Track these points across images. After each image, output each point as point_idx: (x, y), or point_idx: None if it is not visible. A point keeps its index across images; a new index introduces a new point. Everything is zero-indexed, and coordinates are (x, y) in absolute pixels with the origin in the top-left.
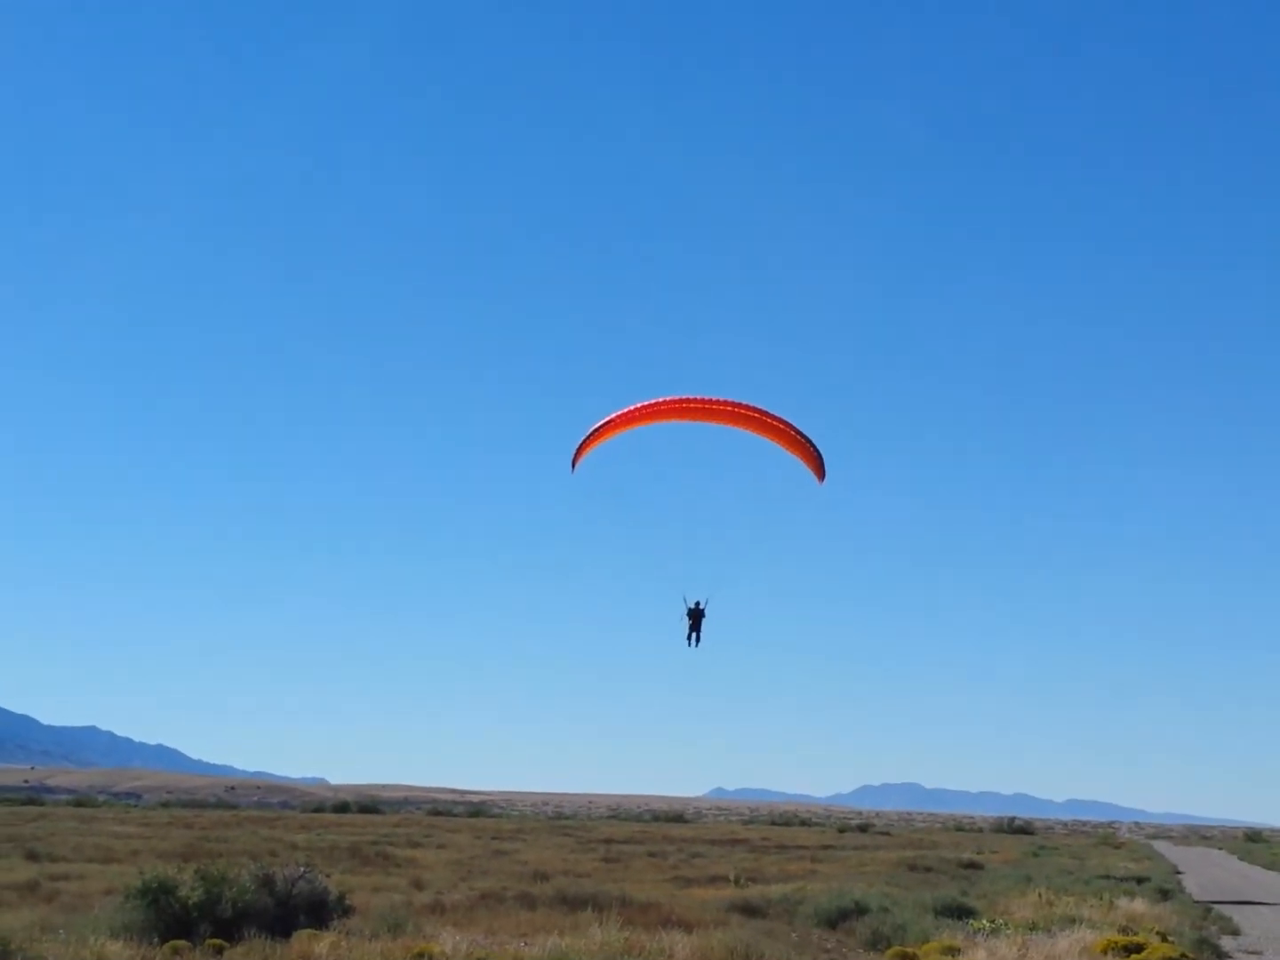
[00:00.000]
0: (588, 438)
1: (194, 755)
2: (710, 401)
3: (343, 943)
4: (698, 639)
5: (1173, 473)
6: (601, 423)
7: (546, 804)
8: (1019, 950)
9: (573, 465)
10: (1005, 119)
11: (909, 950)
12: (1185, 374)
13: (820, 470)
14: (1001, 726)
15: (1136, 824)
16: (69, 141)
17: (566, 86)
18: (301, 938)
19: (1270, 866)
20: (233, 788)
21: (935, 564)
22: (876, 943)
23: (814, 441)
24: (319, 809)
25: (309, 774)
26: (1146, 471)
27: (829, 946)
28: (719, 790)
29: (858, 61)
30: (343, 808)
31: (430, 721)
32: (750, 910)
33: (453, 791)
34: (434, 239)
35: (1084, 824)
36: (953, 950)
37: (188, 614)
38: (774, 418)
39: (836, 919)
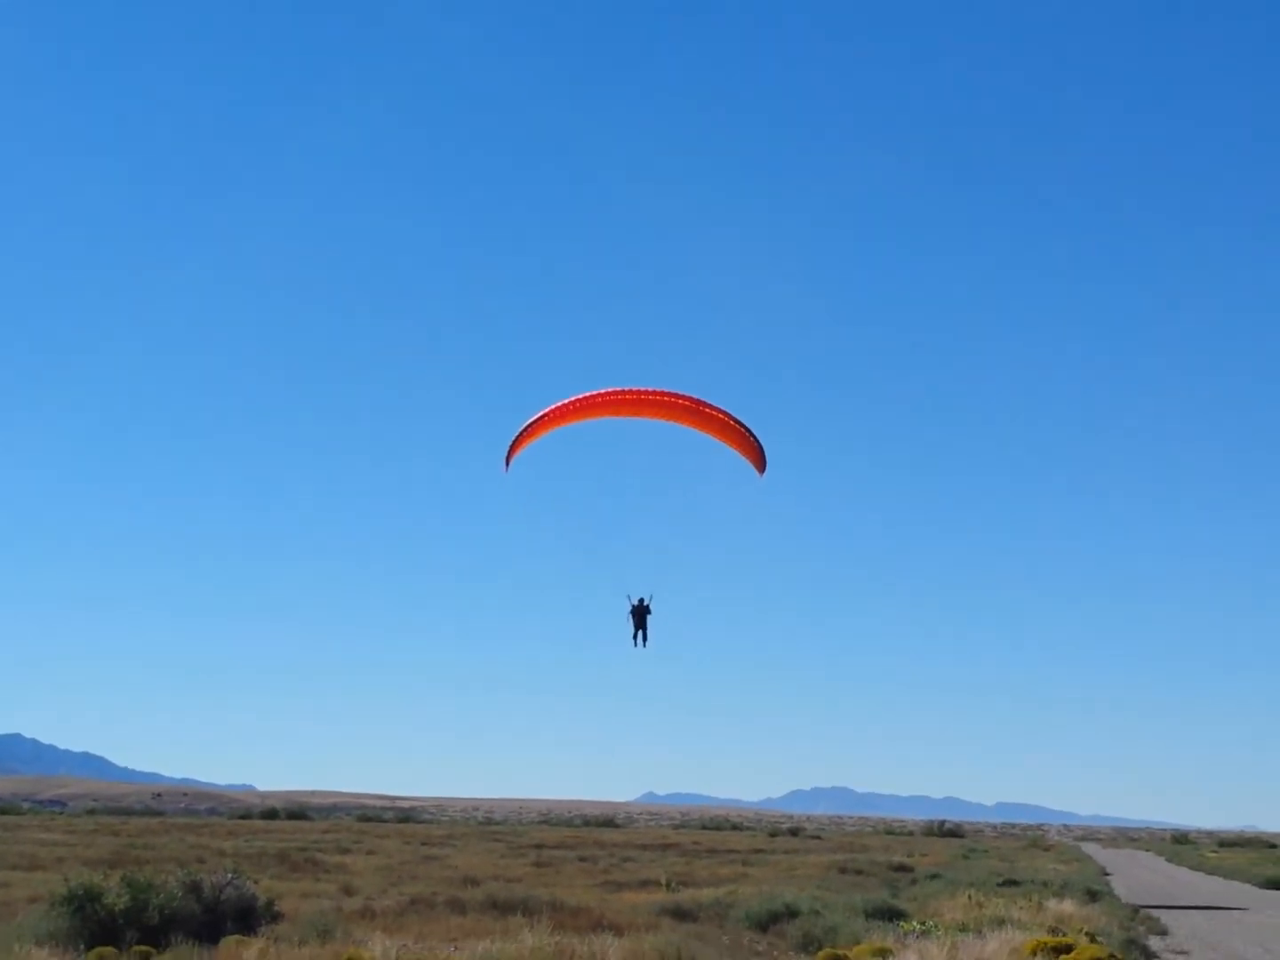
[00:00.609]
0: (520, 435)
1: (120, 763)
2: (646, 393)
3: (271, 949)
4: (644, 638)
5: (1106, 488)
6: (534, 419)
7: (477, 809)
8: (948, 951)
9: (506, 463)
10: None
11: (840, 952)
12: (1141, 390)
13: (760, 462)
14: (932, 731)
15: (1065, 826)
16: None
17: (536, 108)
18: (229, 944)
19: (1196, 868)
20: (159, 795)
21: (864, 569)
22: (808, 945)
23: (754, 433)
24: (247, 815)
25: (236, 781)
26: (1079, 485)
27: (760, 949)
28: (650, 795)
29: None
30: (271, 814)
31: (359, 727)
32: (681, 914)
33: (382, 798)
34: (401, 253)
35: (1013, 826)
36: (883, 952)
37: (113, 621)
38: (711, 407)
39: (768, 922)
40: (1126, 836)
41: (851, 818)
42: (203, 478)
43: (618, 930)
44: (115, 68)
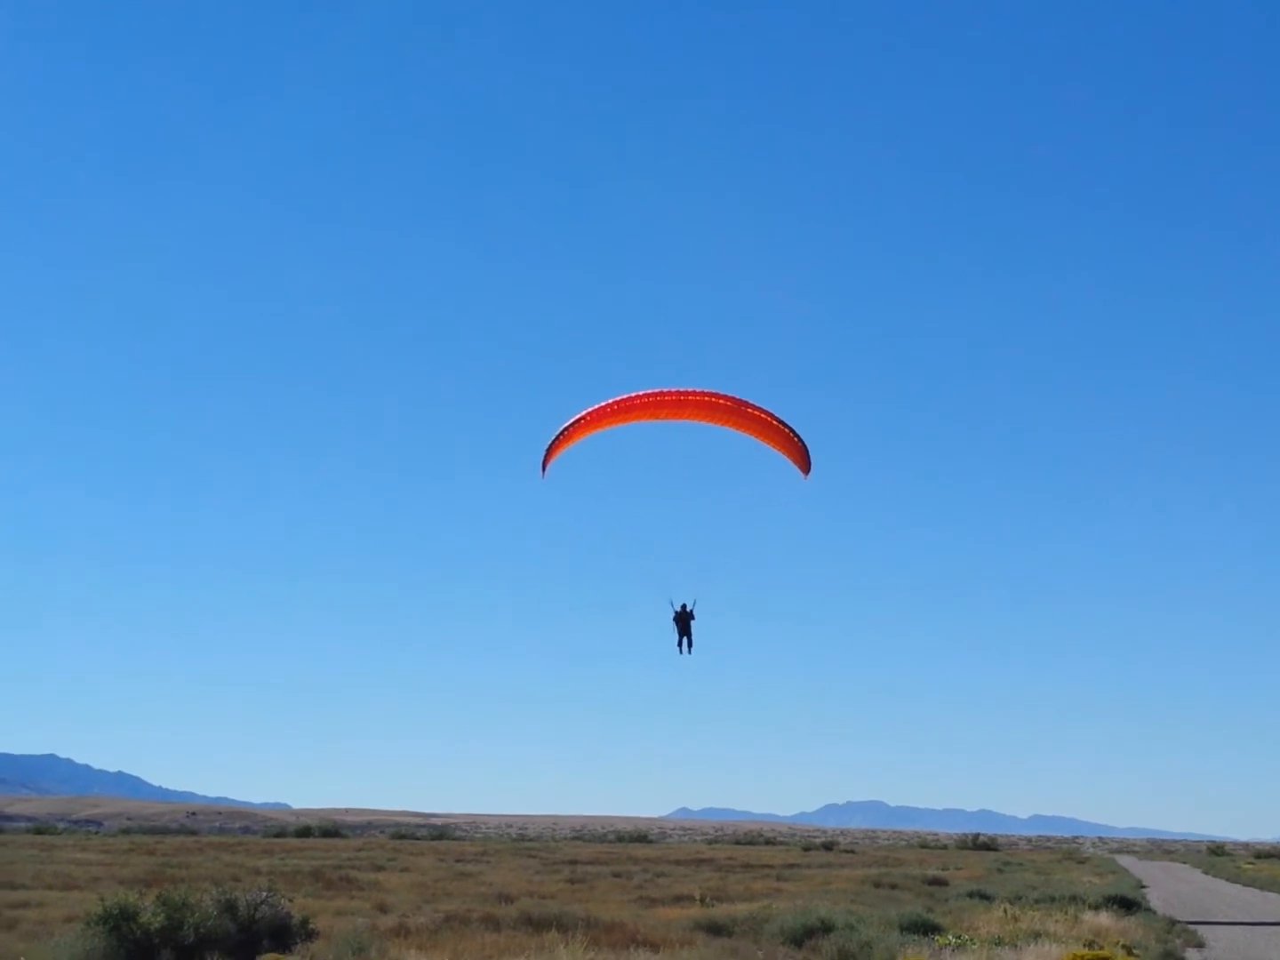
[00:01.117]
0: (557, 439)
1: (154, 782)
2: (686, 393)
3: None
4: (689, 644)
5: (1128, 497)
6: (571, 422)
7: (511, 826)
8: None
9: (542, 469)
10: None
11: None
12: (1163, 406)
13: (805, 463)
14: (965, 743)
15: (1100, 839)
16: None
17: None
18: None
19: (1233, 880)
20: (194, 814)
21: (899, 583)
22: (843, 959)
23: (798, 432)
24: (281, 834)
25: (271, 799)
26: (1107, 495)
27: None
28: (684, 810)
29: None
30: (305, 832)
31: (393, 744)
32: (716, 929)
33: (416, 814)
34: (402, 257)
35: (1048, 839)
36: None
37: (147, 640)
38: (753, 407)
39: (802, 937)
40: (1162, 849)
41: (886, 831)
42: (234, 500)
43: (652, 946)
44: (106, 68)
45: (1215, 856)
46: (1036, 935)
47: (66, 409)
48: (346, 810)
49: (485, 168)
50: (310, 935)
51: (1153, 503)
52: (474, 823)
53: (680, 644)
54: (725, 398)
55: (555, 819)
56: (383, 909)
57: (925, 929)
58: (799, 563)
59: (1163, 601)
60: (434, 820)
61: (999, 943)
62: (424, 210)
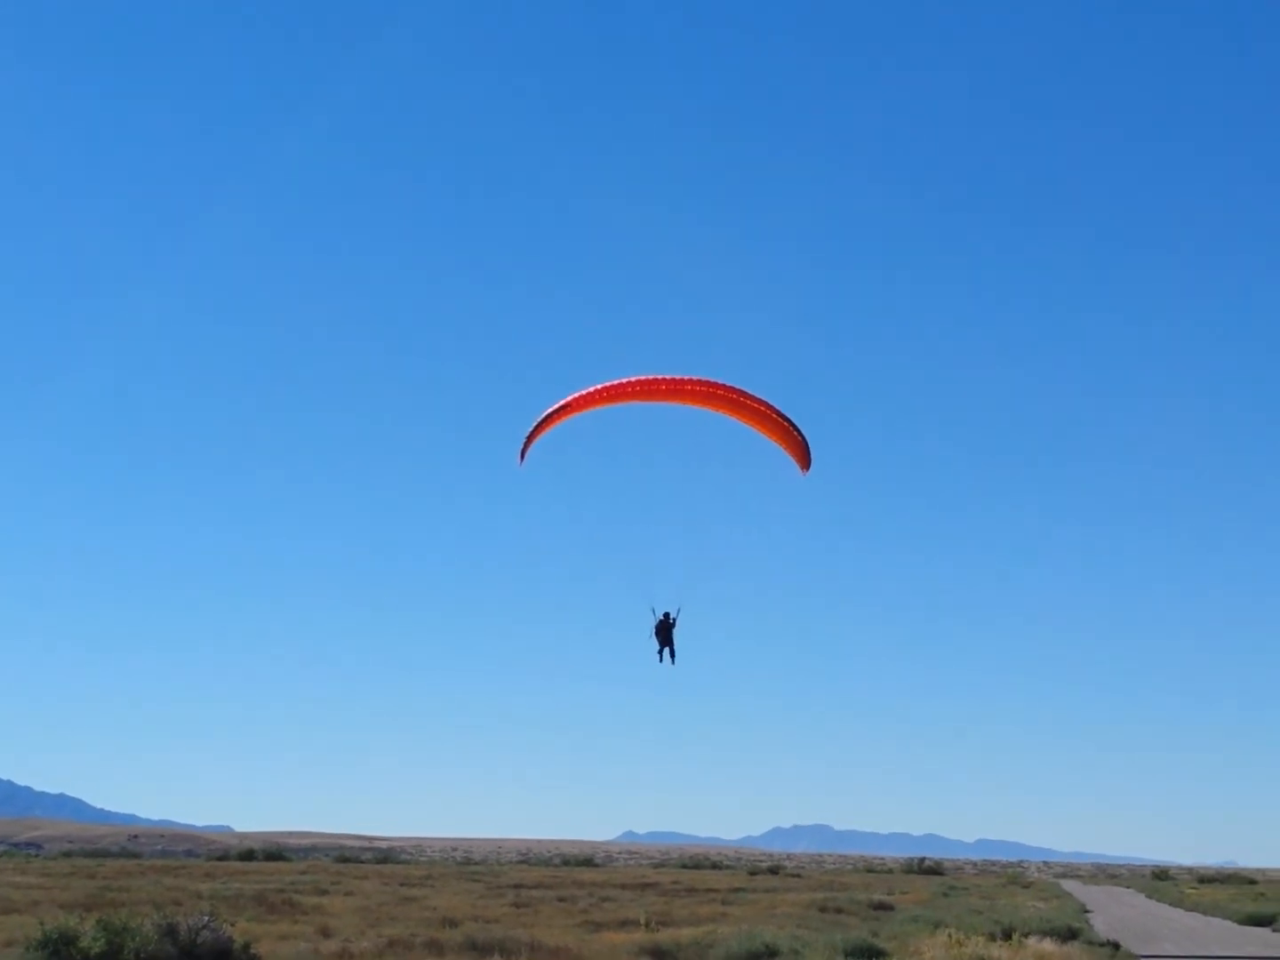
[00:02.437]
0: (539, 424)
1: (96, 804)
2: (682, 381)
3: None
4: (672, 655)
5: (1076, 520)
6: (555, 407)
7: (455, 849)
8: None
9: (521, 456)
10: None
11: None
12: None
13: (805, 459)
14: (912, 768)
15: (1045, 863)
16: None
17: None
18: None
19: (1176, 904)
20: (136, 836)
21: (844, 606)
22: None
23: (799, 427)
24: (224, 857)
25: (214, 822)
26: (1053, 516)
27: None
28: (630, 834)
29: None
30: (248, 855)
31: (338, 767)
32: (661, 954)
33: (360, 838)
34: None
35: (994, 863)
36: None
37: (87, 659)
38: (754, 399)
39: None
40: (1106, 873)
41: (832, 855)
42: (178, 514)
43: None
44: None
45: (1159, 881)
46: None
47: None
48: (290, 833)
49: (474, 179)
50: None
51: (1104, 525)
52: (419, 846)
53: (661, 654)
54: (724, 387)
55: (500, 842)
56: (326, 933)
57: (870, 954)
58: (746, 582)
59: (1106, 626)
60: (378, 844)
61: None
62: (414, 222)
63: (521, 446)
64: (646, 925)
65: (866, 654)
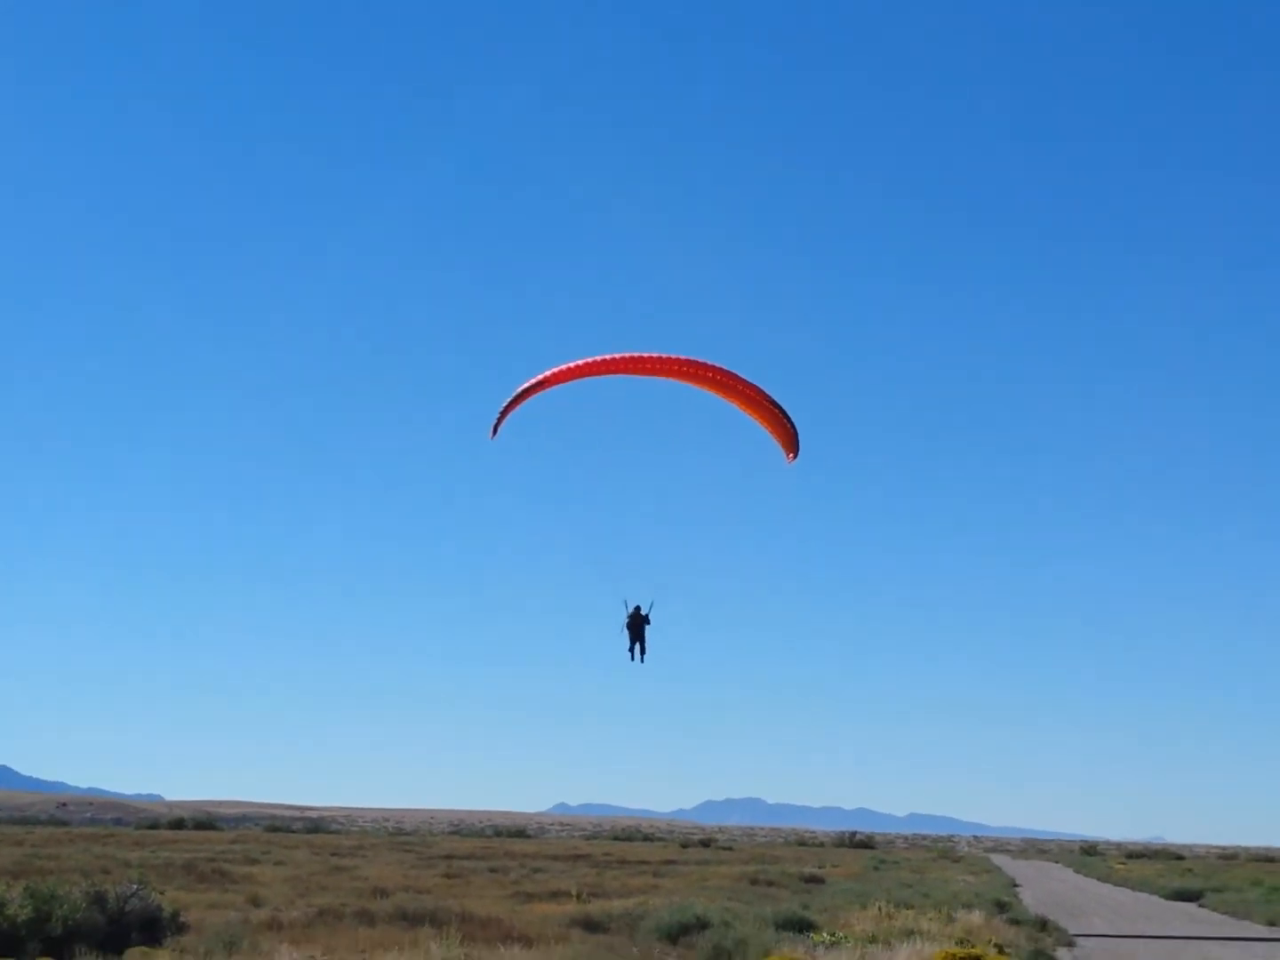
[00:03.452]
0: (514, 398)
1: (24, 771)
2: (667, 360)
3: None
4: (642, 651)
5: (1001, 496)
6: (532, 382)
7: (387, 820)
8: None
9: (493, 429)
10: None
11: None
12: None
13: (793, 446)
14: (845, 741)
15: (975, 837)
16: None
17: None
18: (134, 955)
19: (1104, 879)
20: (65, 804)
21: (778, 582)
22: (718, 957)
23: (788, 412)
24: (154, 826)
25: (144, 790)
26: (980, 492)
27: None
28: (562, 806)
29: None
30: (178, 824)
31: (269, 736)
32: (592, 925)
33: (291, 808)
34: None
35: (924, 838)
36: None
37: (15, 625)
38: (744, 383)
39: (678, 933)
40: (1036, 848)
41: (763, 829)
42: (108, 482)
43: (528, 942)
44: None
45: (1088, 856)
46: (910, 933)
47: None
48: (221, 802)
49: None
50: (181, 929)
51: (1029, 499)
52: (350, 816)
53: (632, 650)
54: (713, 368)
55: (432, 813)
56: (256, 903)
57: (800, 926)
58: (685, 558)
59: (1035, 603)
60: (309, 813)
61: (873, 940)
62: (402, 209)
63: (495, 420)
64: (578, 896)
65: (800, 630)
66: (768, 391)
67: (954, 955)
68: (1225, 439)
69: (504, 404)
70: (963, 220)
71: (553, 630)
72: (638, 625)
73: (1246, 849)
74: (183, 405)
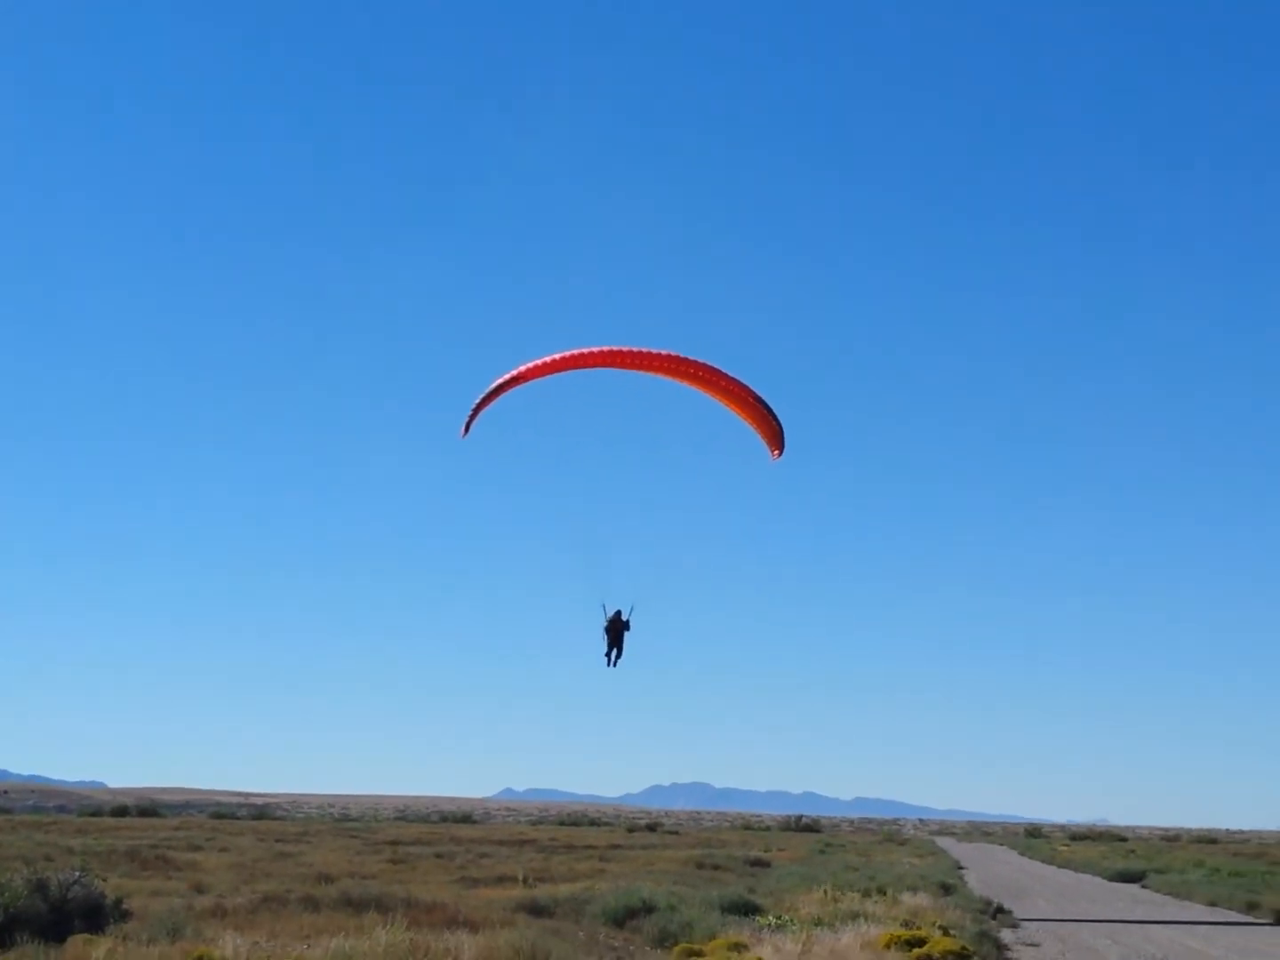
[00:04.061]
0: (488, 394)
1: None
2: (649, 355)
3: (119, 948)
4: (618, 655)
5: (942, 477)
6: (506, 377)
7: (333, 806)
8: (803, 945)
9: (465, 427)
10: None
11: (695, 947)
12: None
13: (778, 443)
14: (791, 726)
15: (921, 821)
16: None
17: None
18: (76, 943)
19: (1048, 861)
20: (6, 792)
21: (720, 562)
22: (664, 940)
23: (773, 409)
24: (96, 813)
25: (86, 777)
26: (922, 474)
27: (616, 945)
28: (508, 791)
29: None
30: (121, 811)
31: (213, 722)
32: (538, 910)
33: (236, 794)
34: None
35: (870, 821)
36: (739, 946)
37: None
38: (728, 379)
39: (624, 917)
40: (981, 830)
41: (710, 813)
42: (42, 466)
43: (473, 927)
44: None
45: (1032, 838)
46: (855, 916)
47: None
48: (164, 789)
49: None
50: (124, 916)
51: (966, 479)
52: (295, 802)
53: (609, 655)
54: (695, 363)
55: (378, 799)
56: (199, 889)
57: (746, 910)
58: (630, 538)
59: (977, 586)
60: (254, 800)
61: (818, 923)
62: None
63: (467, 417)
64: (524, 882)
65: (745, 614)
66: (752, 388)
67: (899, 937)
68: (1159, 422)
69: (476, 400)
70: (946, 214)
71: (501, 616)
72: (617, 630)
73: (1188, 830)
74: (135, 385)
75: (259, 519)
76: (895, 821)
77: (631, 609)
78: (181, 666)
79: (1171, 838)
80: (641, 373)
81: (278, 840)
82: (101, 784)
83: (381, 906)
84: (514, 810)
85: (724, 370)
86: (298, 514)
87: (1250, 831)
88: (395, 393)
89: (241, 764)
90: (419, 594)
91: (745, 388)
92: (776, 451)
